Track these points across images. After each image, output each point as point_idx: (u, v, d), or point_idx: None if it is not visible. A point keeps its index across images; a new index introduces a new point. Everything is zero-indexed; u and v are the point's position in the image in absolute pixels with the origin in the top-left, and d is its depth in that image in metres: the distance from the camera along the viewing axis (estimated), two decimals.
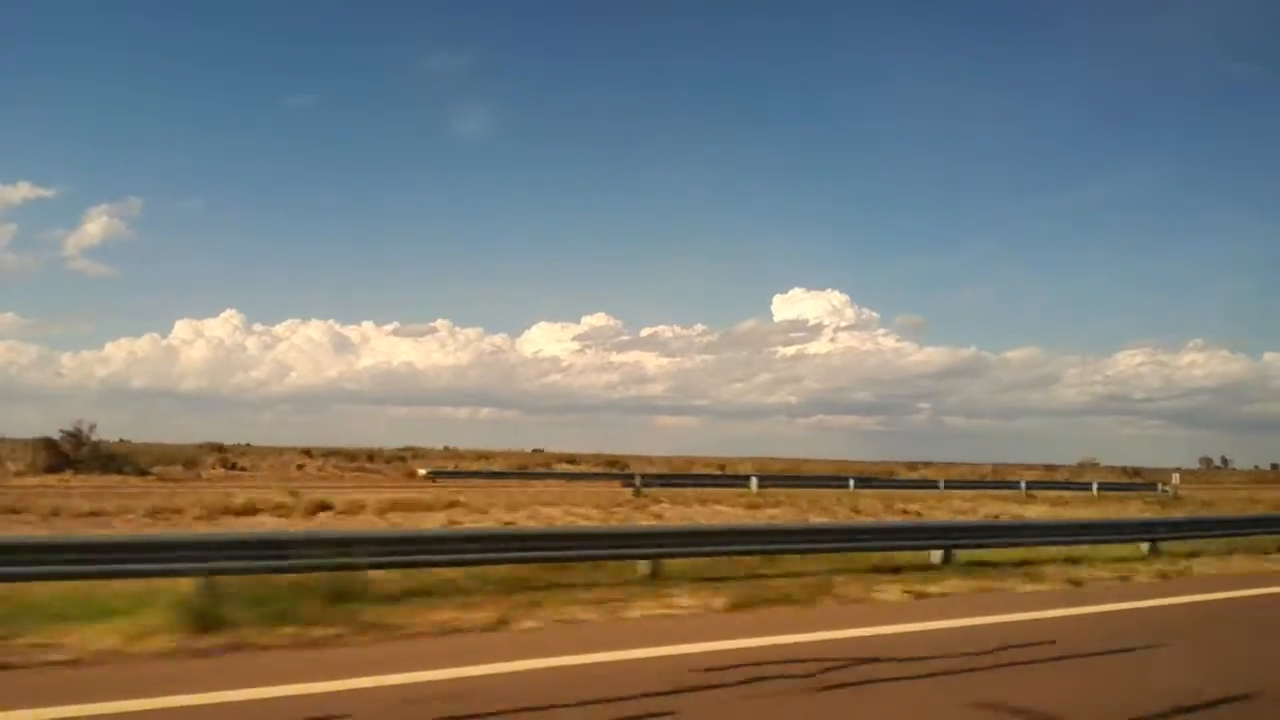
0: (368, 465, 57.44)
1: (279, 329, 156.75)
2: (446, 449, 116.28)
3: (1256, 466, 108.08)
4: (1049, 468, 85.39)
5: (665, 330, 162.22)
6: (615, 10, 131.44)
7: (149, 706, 5.13)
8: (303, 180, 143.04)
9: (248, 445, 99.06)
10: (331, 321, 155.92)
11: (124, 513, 19.18)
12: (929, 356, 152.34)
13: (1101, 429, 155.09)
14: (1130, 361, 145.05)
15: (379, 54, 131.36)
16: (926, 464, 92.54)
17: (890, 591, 10.26)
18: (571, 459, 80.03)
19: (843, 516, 23.61)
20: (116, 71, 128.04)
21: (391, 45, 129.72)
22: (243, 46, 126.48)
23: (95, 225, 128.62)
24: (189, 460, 47.54)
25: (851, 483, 41.54)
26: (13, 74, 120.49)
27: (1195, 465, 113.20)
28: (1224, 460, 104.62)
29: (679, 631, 7.71)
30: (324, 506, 21.39)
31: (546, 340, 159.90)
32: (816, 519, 22.20)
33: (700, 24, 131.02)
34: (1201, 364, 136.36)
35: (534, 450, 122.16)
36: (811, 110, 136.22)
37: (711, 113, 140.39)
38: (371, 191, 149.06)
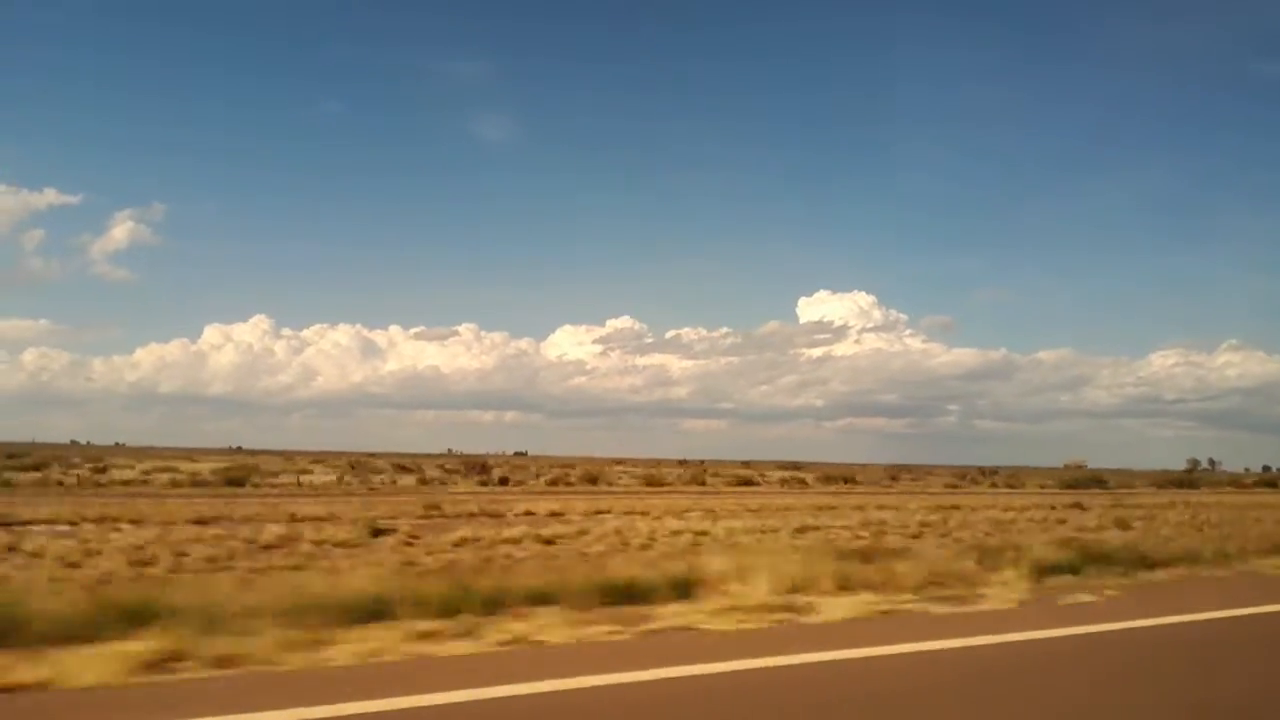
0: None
1: (307, 333, 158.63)
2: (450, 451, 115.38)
3: (1248, 469, 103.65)
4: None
5: (689, 333, 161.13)
6: (637, 17, 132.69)
7: None
8: (329, 185, 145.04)
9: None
10: (359, 326, 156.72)
11: None
12: (958, 358, 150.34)
13: (1133, 431, 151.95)
14: (1163, 363, 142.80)
15: (403, 61, 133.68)
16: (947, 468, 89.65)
17: None
18: None
19: None
20: (141, 79, 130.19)
21: (415, 53, 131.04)
22: (270, 55, 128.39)
23: (121, 230, 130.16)
24: None
25: None
26: (39, 81, 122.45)
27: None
28: (1211, 462, 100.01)
29: None
30: None
31: (570, 343, 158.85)
32: None
33: (722, 29, 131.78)
34: (1236, 364, 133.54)
35: (515, 454, 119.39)
36: (836, 113, 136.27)
37: (736, 116, 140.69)
38: (398, 196, 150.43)
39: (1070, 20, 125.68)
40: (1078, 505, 39.52)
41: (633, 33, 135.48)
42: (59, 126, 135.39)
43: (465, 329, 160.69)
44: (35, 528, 22.06)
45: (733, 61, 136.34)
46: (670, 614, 6.80)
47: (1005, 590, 8.46)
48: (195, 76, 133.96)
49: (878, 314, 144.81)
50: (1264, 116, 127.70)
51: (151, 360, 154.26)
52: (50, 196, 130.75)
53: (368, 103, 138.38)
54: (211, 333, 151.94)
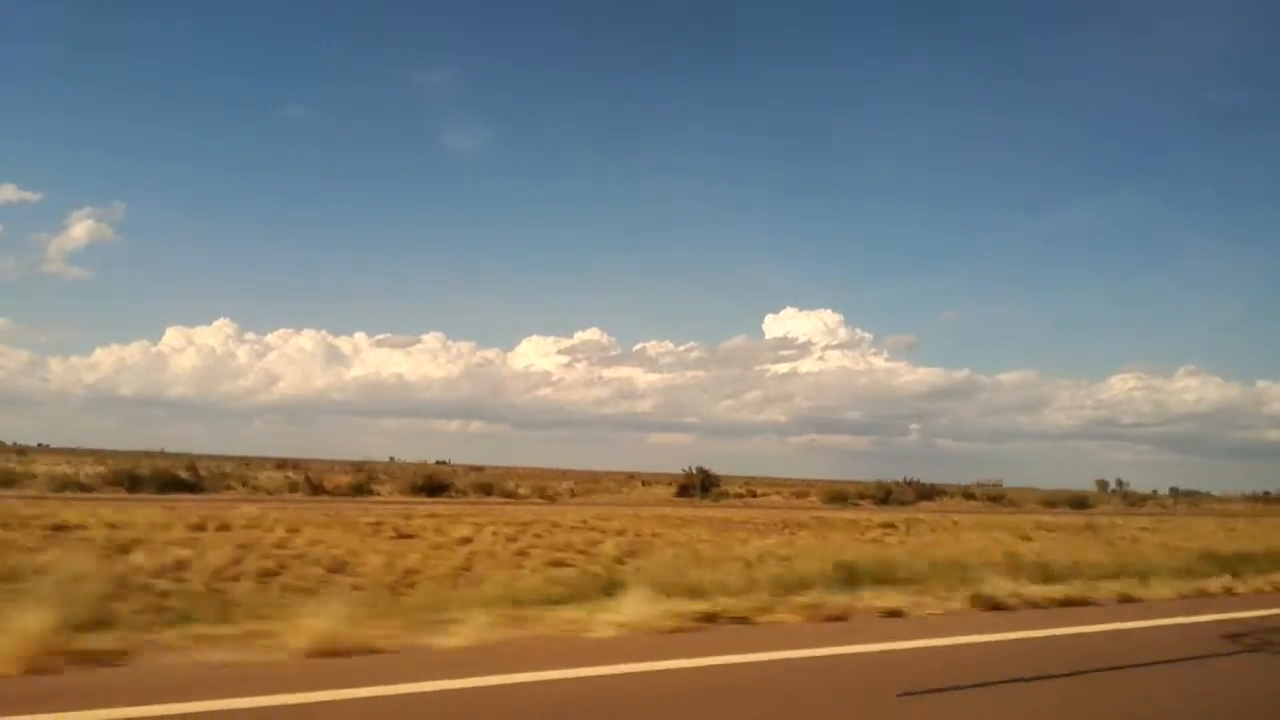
0: None
1: (271, 338, 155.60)
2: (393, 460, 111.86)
3: (1155, 490, 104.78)
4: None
5: (655, 346, 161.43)
6: (610, 25, 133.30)
7: None
8: (296, 189, 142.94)
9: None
10: (323, 332, 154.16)
11: None
12: (922, 377, 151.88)
13: (1091, 453, 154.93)
14: (1122, 386, 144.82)
15: (372, 66, 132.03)
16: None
17: None
18: None
19: None
20: (105, 75, 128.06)
21: (384, 57, 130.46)
22: (236, 55, 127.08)
23: (81, 229, 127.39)
24: None
25: None
26: (1, 76, 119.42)
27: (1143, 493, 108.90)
28: (1119, 482, 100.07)
29: None
30: None
31: (537, 354, 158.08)
32: None
33: (695, 42, 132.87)
34: (1194, 389, 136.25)
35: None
36: (806, 130, 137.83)
37: (709, 128, 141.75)
38: (366, 202, 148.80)
39: (1037, 44, 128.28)
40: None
41: (606, 42, 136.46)
42: (20, 122, 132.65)
43: (431, 337, 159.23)
44: None
45: (707, 73, 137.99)
46: None
47: None
48: (162, 74, 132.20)
49: (843, 332, 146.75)
50: (1222, 141, 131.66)
51: (111, 361, 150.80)
52: (9, 193, 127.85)
53: (336, 107, 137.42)
54: (173, 335, 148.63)
